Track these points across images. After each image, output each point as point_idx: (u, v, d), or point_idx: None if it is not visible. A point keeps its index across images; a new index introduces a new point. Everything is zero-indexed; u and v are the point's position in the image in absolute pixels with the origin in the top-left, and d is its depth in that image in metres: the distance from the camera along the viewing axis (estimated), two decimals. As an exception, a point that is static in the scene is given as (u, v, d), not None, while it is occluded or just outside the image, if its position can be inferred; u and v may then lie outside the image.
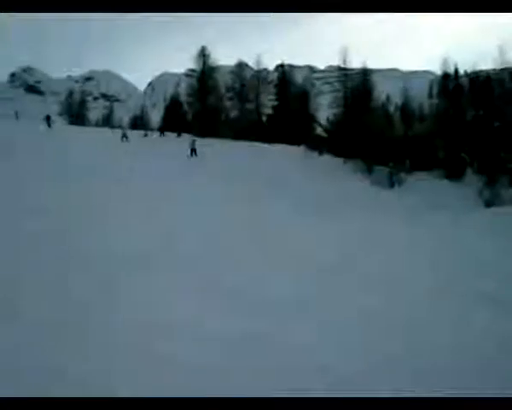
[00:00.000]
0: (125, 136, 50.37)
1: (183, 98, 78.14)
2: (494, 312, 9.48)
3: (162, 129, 61.90)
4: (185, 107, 76.17)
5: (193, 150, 45.59)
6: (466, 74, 67.35)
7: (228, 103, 74.99)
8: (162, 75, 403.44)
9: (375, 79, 71.50)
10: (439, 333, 8.26)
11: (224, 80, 75.18)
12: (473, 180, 48.92)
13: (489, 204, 42.82)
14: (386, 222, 26.40)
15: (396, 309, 9.58)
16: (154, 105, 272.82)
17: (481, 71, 66.95)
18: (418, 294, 10.74)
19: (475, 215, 29.03)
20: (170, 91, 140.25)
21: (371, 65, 75.09)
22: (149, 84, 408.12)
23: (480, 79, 63.73)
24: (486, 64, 71.90)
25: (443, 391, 5.52)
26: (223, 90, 74.59)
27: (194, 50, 70.31)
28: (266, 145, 57.88)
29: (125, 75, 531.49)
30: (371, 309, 9.23)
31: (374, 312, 9.13)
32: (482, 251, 16.06)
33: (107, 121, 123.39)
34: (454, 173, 51.53)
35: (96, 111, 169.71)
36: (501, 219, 26.07)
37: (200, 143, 48.60)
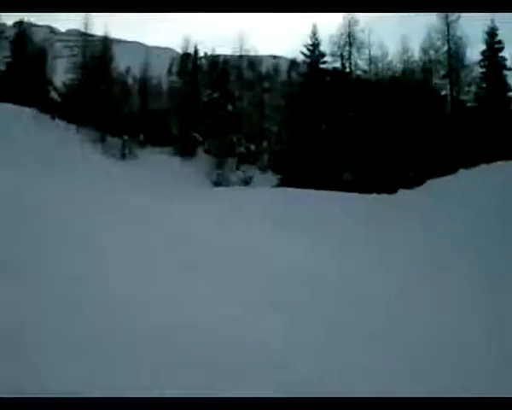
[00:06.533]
0: None
1: None
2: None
3: None
4: None
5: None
6: (206, 56, 68.91)
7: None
8: None
9: (116, 49, 69.56)
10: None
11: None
12: (204, 159, 50.27)
13: (216, 184, 44.34)
14: (111, 189, 25.74)
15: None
16: None
17: (220, 55, 69.07)
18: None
19: (199, 193, 29.57)
20: None
21: (114, 35, 73.04)
22: None
23: (218, 63, 65.73)
24: (225, 49, 74.59)
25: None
26: None
27: None
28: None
29: None
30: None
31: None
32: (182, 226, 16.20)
33: None
34: (186, 151, 52.45)
35: None
36: (222, 198, 26.92)
37: None
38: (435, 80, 49.60)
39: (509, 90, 46.56)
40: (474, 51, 49.24)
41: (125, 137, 49.95)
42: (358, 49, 50.15)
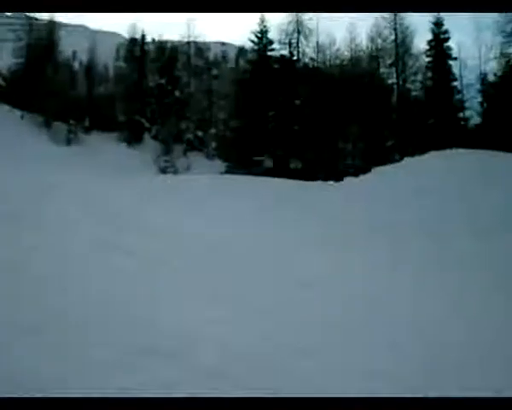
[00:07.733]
0: None
1: None
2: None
3: None
4: None
5: None
6: (153, 42, 68.12)
7: None
8: None
9: (62, 33, 68.09)
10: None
11: None
12: (151, 146, 49.73)
13: (164, 171, 43.96)
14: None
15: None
16: None
17: (167, 41, 68.31)
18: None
19: (145, 180, 29.27)
20: None
21: (60, 19, 71.43)
22: None
23: (165, 49, 65.01)
24: (173, 35, 73.76)
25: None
26: None
27: None
28: None
29: None
30: None
31: None
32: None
33: None
34: (133, 137, 51.85)
35: None
36: (168, 184, 26.80)
37: None
38: (382, 69, 50.17)
39: (454, 80, 47.40)
40: (420, 41, 50.06)
41: (71, 123, 49.09)
42: (306, 37, 50.37)
